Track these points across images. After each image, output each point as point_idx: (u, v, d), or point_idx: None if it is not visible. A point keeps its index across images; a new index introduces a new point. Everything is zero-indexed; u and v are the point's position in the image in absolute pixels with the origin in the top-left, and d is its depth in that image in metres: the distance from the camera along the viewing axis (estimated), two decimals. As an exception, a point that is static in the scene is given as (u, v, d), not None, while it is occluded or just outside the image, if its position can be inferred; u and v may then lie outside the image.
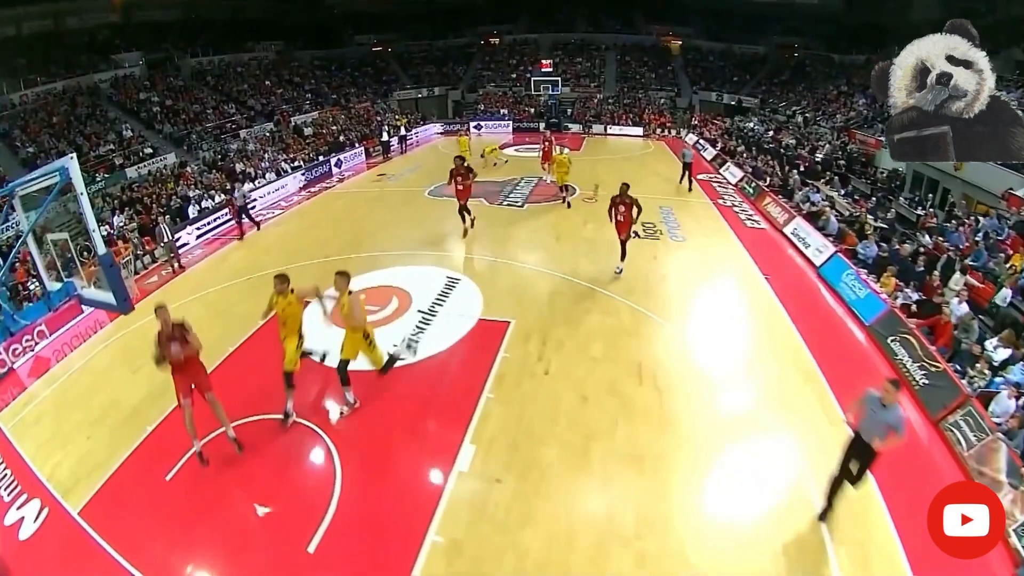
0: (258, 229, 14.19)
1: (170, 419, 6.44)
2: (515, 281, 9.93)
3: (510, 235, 12.61)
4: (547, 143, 17.11)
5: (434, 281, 9.89)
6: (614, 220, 9.75)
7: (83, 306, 5.36)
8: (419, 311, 8.80)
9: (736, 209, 14.93)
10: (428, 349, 7.73)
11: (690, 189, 16.56)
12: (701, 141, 23.36)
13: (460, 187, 11.86)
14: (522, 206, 14.99)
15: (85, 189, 4.45)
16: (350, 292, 6.00)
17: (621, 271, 10.00)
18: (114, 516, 5.33)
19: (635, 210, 9.47)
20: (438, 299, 9.19)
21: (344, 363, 6.24)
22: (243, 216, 13.93)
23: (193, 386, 5.65)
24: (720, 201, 15.61)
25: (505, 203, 15.29)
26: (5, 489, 5.86)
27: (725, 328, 8.35)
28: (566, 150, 14.99)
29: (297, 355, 6.20)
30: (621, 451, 5.84)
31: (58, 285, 5.32)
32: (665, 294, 9.50)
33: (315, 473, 5.78)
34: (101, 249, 4.39)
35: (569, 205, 14.38)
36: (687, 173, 16.76)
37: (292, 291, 6.05)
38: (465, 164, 12.06)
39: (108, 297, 4.65)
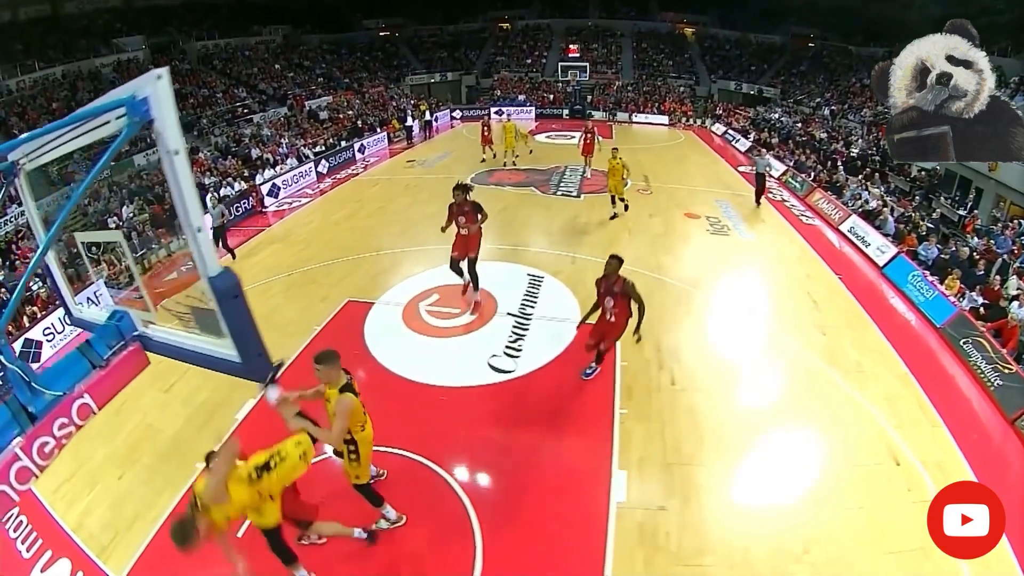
0: (229, 258, 10.95)
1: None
2: (602, 279, 9.39)
3: (578, 228, 12.02)
4: (588, 135, 15.67)
5: (515, 279, 9.23)
6: (602, 318, 6.15)
7: (152, 353, 2.91)
8: (508, 314, 8.18)
9: (788, 204, 14.62)
10: (535, 360, 7.10)
11: (758, 204, 13.95)
12: (731, 131, 22.98)
13: (463, 231, 7.70)
14: (578, 196, 14.36)
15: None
16: (344, 386, 4.07)
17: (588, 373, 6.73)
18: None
19: (636, 306, 5.86)
20: (526, 300, 8.59)
21: (361, 487, 4.49)
22: (222, 235, 10.96)
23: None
24: (770, 195, 15.18)
25: (559, 193, 14.66)
26: (23, 542, 4.69)
27: (823, 332, 7.98)
28: (619, 156, 12.00)
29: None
30: (770, 464, 5.54)
31: (101, 316, 2.85)
32: (755, 296, 9.11)
33: (446, 526, 4.75)
34: (213, 268, 2.12)
35: (627, 208, 12.49)
36: (761, 190, 13.97)
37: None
38: (470, 197, 7.63)
39: (219, 348, 2.32)
